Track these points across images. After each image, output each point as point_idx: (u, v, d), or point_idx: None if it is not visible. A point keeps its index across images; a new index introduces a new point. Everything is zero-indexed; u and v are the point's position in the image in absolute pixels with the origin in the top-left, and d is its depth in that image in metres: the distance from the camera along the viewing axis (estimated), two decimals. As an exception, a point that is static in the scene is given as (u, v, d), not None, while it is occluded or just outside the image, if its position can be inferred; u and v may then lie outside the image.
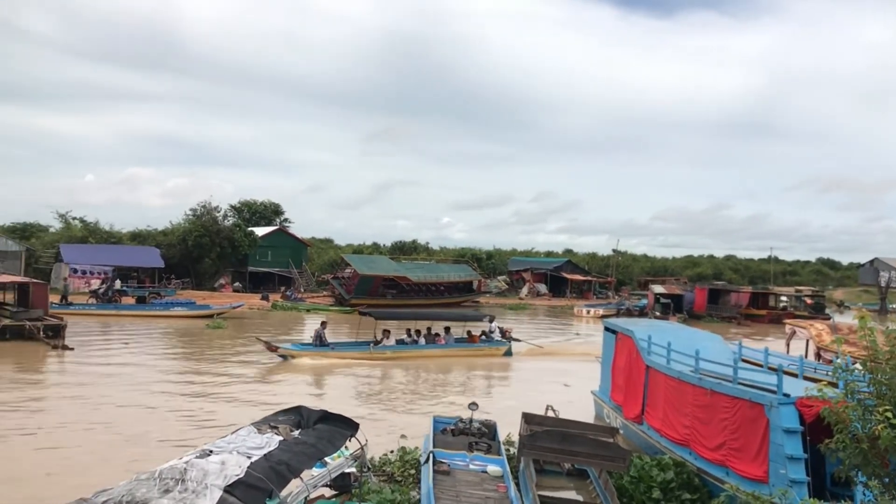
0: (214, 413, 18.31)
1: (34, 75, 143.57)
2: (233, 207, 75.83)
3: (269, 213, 79.63)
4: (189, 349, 30.08)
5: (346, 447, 8.91)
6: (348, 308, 50.26)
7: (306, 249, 70.92)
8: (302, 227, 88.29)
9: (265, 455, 7.18)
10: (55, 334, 29.39)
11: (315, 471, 8.42)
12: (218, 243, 60.85)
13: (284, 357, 26.91)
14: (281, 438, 7.78)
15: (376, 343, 28.85)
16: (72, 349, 27.65)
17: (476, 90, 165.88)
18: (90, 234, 62.54)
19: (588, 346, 33.95)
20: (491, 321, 32.15)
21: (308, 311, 49.45)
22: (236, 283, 62.58)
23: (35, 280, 36.20)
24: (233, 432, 8.09)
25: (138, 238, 64.57)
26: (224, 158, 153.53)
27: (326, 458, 8.54)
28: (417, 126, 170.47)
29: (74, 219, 66.86)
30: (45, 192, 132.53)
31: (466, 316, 34.59)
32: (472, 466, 11.30)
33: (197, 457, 6.94)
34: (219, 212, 64.87)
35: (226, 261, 62.64)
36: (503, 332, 31.85)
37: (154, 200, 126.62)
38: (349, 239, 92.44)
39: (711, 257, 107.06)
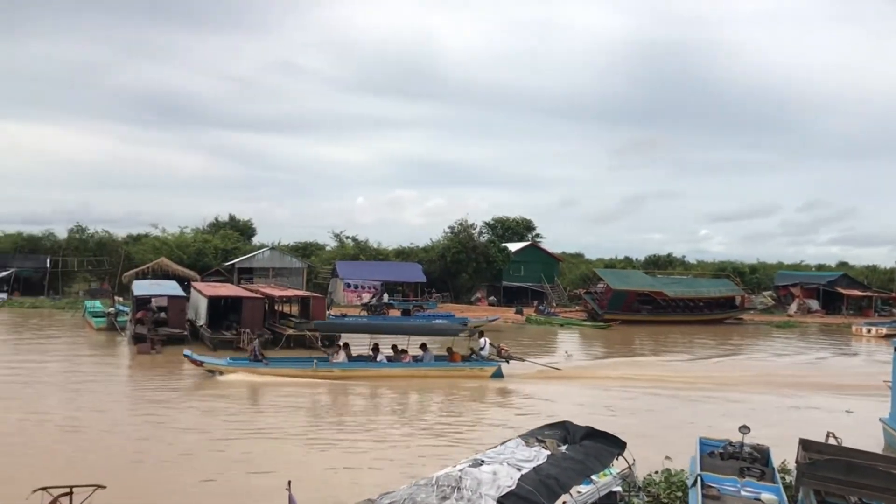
0: (481, 420, 18.91)
1: (312, 108, 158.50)
2: (487, 224, 78.45)
3: (521, 228, 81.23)
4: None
5: (612, 465, 8.79)
6: (602, 323, 49.78)
7: (558, 264, 71.31)
8: (553, 242, 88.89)
9: (534, 468, 7.28)
10: (330, 343, 32.02)
11: (583, 487, 8.38)
12: (474, 259, 63.14)
13: (212, 373, 24.26)
14: (549, 453, 7.85)
15: (321, 359, 25.38)
16: (344, 358, 29.89)
17: (735, 96, 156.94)
18: (361, 252, 67.67)
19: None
20: (480, 336, 27.90)
21: (562, 325, 49.61)
22: (491, 297, 64.41)
23: (314, 294, 39.73)
24: (501, 443, 8.29)
25: (402, 255, 68.69)
26: (478, 178, 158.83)
27: (593, 476, 8.47)
28: (671, 136, 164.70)
29: (347, 238, 72.86)
30: (322, 215, 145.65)
31: (438, 329, 29.57)
32: (743, 493, 10.63)
33: (470, 466, 7.20)
34: (474, 229, 67.43)
35: (481, 275, 64.71)
36: (498, 350, 27.33)
37: (415, 220, 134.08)
38: (600, 253, 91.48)
39: None
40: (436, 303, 55.84)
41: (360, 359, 26.18)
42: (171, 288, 36.86)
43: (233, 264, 61.89)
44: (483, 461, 7.40)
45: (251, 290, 38.17)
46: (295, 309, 39.83)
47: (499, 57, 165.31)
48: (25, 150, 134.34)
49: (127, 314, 37.20)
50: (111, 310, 38.73)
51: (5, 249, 60.75)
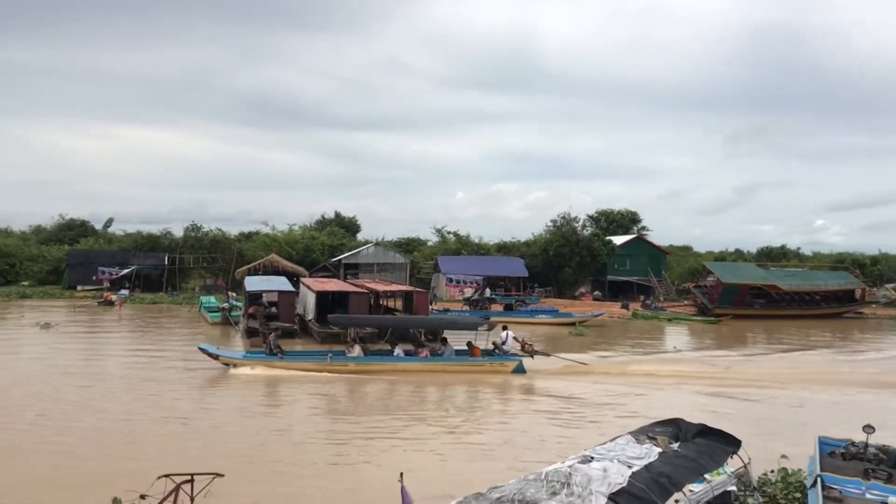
0: (585, 417, 18.71)
1: (414, 105, 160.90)
2: (591, 217, 77.38)
3: (626, 221, 79.74)
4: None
5: (726, 464, 8.53)
6: (712, 318, 48.28)
7: (665, 257, 69.57)
8: (659, 234, 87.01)
9: (646, 466, 7.13)
10: (434, 338, 32.28)
11: (696, 486, 8.16)
12: (577, 253, 62.40)
13: (228, 365, 24.37)
14: (660, 450, 7.67)
15: (336, 353, 25.27)
16: (449, 352, 29.99)
17: (850, 79, 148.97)
18: (462, 247, 67.98)
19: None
20: (503, 329, 26.95)
21: (669, 320, 48.41)
22: (596, 292, 63.49)
23: (418, 289, 40.15)
24: (611, 440, 8.17)
25: (504, 249, 68.61)
26: (581, 170, 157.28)
27: (706, 475, 8.24)
28: (786, 123, 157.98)
29: (449, 233, 73.41)
30: (424, 210, 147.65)
31: (456, 323, 28.82)
32: (868, 496, 10.06)
33: (579, 462, 7.12)
34: (577, 222, 66.63)
35: (585, 270, 63.89)
36: (522, 345, 26.60)
37: (517, 214, 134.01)
38: (709, 246, 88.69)
39: None
40: (538, 297, 55.45)
41: (377, 353, 26.11)
42: (281, 283, 37.93)
43: (339, 260, 63.36)
44: (592, 457, 7.32)
45: (357, 286, 38.92)
46: (399, 303, 40.35)
47: (603, 46, 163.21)
48: (144, 154, 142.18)
49: (240, 309, 38.57)
50: (225, 305, 40.30)
51: (127, 248, 64.26)
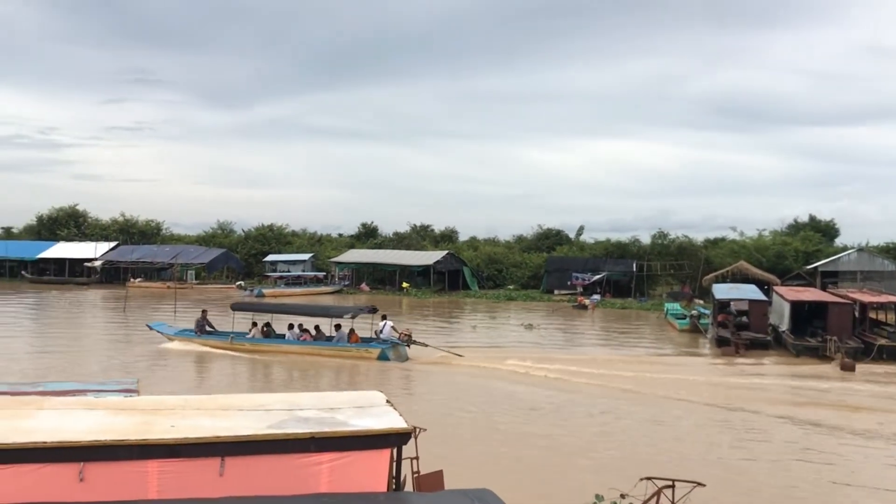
0: None
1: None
2: None
3: None
4: None
5: None
6: None
7: None
8: None
9: None
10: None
11: None
12: None
13: (171, 341, 29.31)
14: None
15: (238, 334, 29.01)
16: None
17: None
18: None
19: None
20: (383, 318, 29.20)
21: None
22: None
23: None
24: None
25: None
26: None
27: None
28: None
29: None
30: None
31: (324, 311, 31.08)
32: None
33: None
34: None
35: None
36: (400, 334, 28.45)
37: None
38: None
39: None
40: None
41: (273, 336, 29.35)
42: (752, 292, 36.59)
43: (815, 267, 58.60)
44: None
45: (838, 296, 35.68)
46: (891, 317, 35.92)
47: None
48: (609, 165, 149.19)
49: (708, 317, 38.12)
50: (694, 312, 40.18)
51: (598, 255, 67.87)
